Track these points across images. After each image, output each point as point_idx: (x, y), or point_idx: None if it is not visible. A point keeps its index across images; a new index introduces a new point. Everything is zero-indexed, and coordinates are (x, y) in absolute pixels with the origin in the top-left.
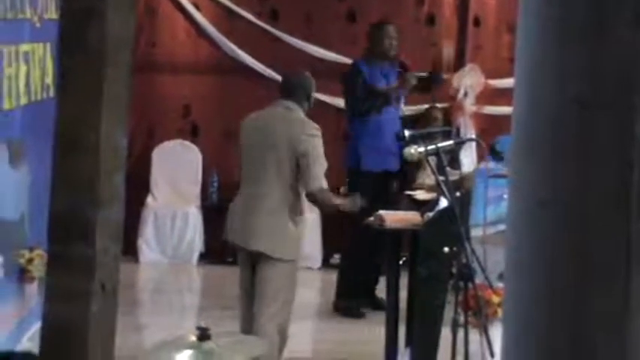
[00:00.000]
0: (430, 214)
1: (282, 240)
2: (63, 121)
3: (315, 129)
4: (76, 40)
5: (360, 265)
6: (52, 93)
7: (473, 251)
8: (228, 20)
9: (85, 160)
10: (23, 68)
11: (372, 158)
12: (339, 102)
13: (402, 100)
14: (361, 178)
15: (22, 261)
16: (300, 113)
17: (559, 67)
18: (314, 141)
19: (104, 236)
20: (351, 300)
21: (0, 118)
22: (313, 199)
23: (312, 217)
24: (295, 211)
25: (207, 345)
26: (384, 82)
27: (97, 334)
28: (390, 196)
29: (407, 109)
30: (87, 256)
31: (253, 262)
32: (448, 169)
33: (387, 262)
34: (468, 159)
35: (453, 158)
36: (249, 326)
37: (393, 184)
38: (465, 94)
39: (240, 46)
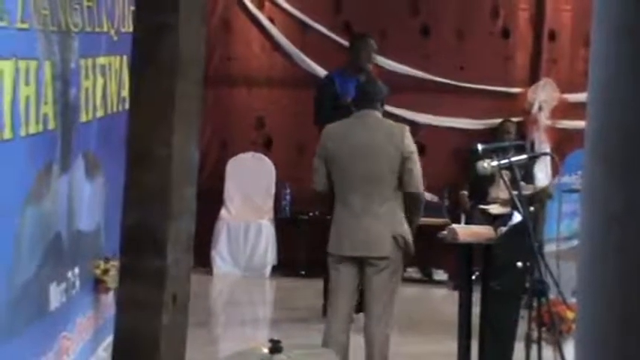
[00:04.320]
0: (503, 229)
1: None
2: (134, 134)
3: (409, 131)
4: (149, 55)
5: None
6: (127, 106)
7: (546, 266)
8: (302, 33)
9: (156, 173)
10: (100, 81)
11: None
12: (412, 115)
13: None
14: None
15: (98, 272)
16: (385, 119)
17: (634, 79)
18: (413, 142)
19: (175, 248)
20: None
21: (77, 131)
22: (414, 201)
23: None
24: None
25: (279, 357)
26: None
27: (168, 345)
28: None
29: (481, 123)
30: (158, 268)
31: (362, 274)
32: (522, 183)
33: (460, 277)
34: (543, 173)
35: (527, 172)
36: (340, 338)
37: None
38: (540, 108)
39: (314, 59)
